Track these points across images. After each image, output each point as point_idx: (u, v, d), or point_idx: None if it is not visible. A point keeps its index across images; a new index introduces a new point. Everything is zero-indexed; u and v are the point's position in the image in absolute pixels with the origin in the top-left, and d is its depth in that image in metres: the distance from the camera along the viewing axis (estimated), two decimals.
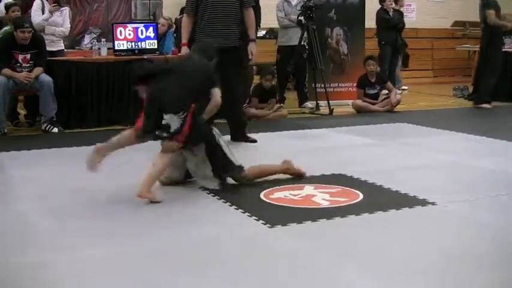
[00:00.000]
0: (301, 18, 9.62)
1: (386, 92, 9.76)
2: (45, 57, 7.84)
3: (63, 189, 4.71)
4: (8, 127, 7.86)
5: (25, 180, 5.11)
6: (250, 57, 6.88)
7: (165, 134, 4.41)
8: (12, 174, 5.39)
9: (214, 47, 5.21)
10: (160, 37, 8.98)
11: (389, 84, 9.69)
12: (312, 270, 3.13)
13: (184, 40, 6.71)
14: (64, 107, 7.99)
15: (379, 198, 4.49)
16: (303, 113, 9.62)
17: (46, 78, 7.63)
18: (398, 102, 9.48)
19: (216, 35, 6.39)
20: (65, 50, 8.95)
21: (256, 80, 9.75)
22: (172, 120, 4.38)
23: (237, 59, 6.73)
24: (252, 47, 6.81)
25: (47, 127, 7.70)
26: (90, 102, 8.14)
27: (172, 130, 4.38)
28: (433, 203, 4.30)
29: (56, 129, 7.69)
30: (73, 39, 11.21)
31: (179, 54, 8.89)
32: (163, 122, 4.39)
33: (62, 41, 8.73)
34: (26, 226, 3.91)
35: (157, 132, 4.46)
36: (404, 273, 3.08)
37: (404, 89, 11.70)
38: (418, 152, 6.22)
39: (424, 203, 4.31)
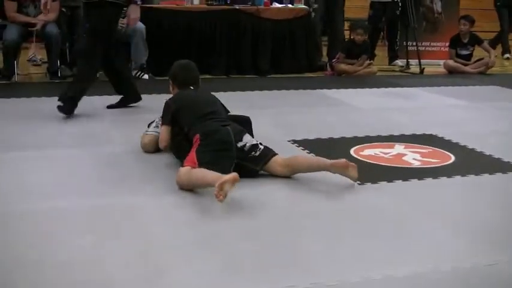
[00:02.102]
0: None
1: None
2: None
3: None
4: (99, 72, 8.00)
5: (115, 123, 5.23)
6: (127, 21, 5.92)
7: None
8: (104, 116, 5.52)
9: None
10: None
11: (485, 44, 9.41)
12: (402, 228, 3.09)
13: None
14: (155, 55, 8.07)
15: (471, 162, 4.38)
16: (393, 70, 9.48)
17: (139, 25, 7.66)
18: (493, 65, 9.23)
19: None
20: None
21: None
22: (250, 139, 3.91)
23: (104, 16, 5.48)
24: (131, 10, 5.65)
25: (138, 73, 7.79)
26: (181, 50, 8.18)
27: (261, 146, 3.89)
28: None
29: (146, 76, 7.79)
30: None
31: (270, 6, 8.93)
32: (247, 144, 3.84)
33: None
34: (121, 167, 3.99)
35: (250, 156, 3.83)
36: (495, 241, 2.99)
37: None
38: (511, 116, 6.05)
39: None
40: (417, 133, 5.12)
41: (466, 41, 9.37)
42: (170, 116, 4.06)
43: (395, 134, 5.07)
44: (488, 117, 6.03)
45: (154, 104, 5.44)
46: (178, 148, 4.04)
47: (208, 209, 3.30)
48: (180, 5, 8.61)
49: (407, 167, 4.18)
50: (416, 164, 4.27)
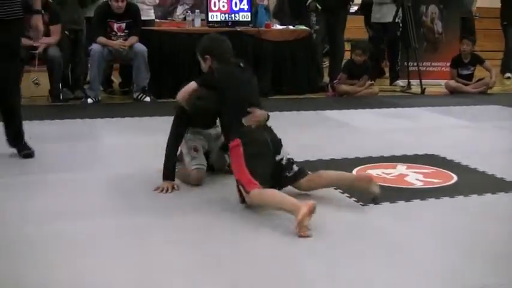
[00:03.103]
0: None
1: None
2: (140, 27, 7.94)
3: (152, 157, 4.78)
4: (101, 95, 8.04)
5: (116, 147, 5.22)
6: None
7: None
8: (105, 140, 5.51)
9: None
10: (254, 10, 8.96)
11: (487, 64, 9.42)
12: (405, 249, 3.08)
13: None
14: (157, 77, 8.09)
15: (473, 181, 4.37)
16: (394, 91, 9.50)
17: (140, 47, 7.74)
18: (494, 85, 9.25)
19: None
20: (158, 20, 9.04)
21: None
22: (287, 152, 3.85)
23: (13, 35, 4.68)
24: (35, 20, 4.81)
25: (139, 96, 7.82)
26: (183, 72, 8.20)
27: (295, 167, 3.83)
28: None
29: (147, 98, 7.81)
30: (166, 10, 11.29)
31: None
32: (284, 159, 3.79)
33: (152, 10, 8.81)
34: (118, 189, 3.98)
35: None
36: (501, 260, 2.98)
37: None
38: None
39: None
40: (419, 153, 5.12)
41: (467, 61, 9.39)
42: (206, 83, 3.86)
43: (397, 154, 5.06)
44: (490, 136, 6.03)
45: (156, 126, 5.45)
46: (196, 110, 3.92)
47: (211, 231, 3.29)
48: (182, 27, 8.64)
49: (409, 188, 4.17)
50: (418, 184, 4.26)
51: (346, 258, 2.97)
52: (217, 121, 4.18)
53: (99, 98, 7.79)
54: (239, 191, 3.63)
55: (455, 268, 2.87)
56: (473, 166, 4.71)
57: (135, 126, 6.11)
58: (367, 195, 3.74)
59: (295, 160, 3.86)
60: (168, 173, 3.98)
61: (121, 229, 3.29)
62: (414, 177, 4.42)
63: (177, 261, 2.90)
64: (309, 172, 3.85)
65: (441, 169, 4.64)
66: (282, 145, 3.77)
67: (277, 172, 3.71)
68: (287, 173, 3.76)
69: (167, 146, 4.02)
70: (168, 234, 3.23)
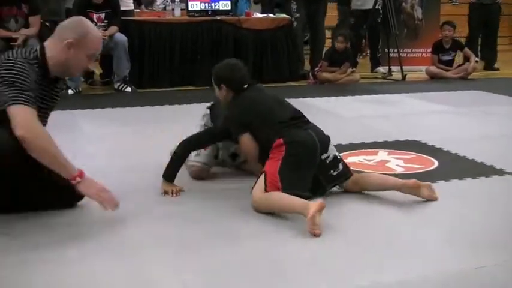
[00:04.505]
0: None
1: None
2: (119, 17, 7.90)
3: (133, 147, 4.76)
4: (82, 85, 8.00)
5: (97, 138, 5.19)
6: None
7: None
8: (86, 131, 5.49)
9: None
10: None
11: (467, 50, 9.46)
12: (387, 234, 3.10)
13: None
14: (137, 67, 8.07)
15: (454, 166, 4.40)
16: (375, 78, 9.51)
17: (121, 37, 7.70)
18: (474, 70, 9.29)
19: None
20: (138, 10, 9.00)
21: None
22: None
23: None
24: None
25: (120, 86, 7.79)
26: (163, 62, 8.19)
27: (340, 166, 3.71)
28: (510, 173, 4.18)
29: (129, 89, 7.78)
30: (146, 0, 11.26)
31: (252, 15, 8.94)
32: (330, 156, 3.66)
33: (132, 1, 8.76)
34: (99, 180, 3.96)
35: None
36: (481, 244, 3.00)
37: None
38: (495, 120, 6.07)
39: (501, 172, 4.20)
40: (400, 139, 5.14)
41: (448, 46, 9.43)
42: (241, 127, 3.69)
43: (379, 140, 5.08)
44: (471, 122, 6.06)
45: (137, 116, 5.44)
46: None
47: (198, 221, 3.29)
48: (162, 17, 8.60)
49: (391, 173, 4.17)
50: (400, 170, 4.28)
51: (330, 244, 2.98)
52: None
53: (80, 89, 7.75)
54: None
55: (435, 252, 2.89)
56: (454, 151, 4.74)
57: (116, 117, 6.08)
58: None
59: (341, 158, 3.75)
60: (170, 173, 3.77)
61: (103, 219, 3.27)
62: (395, 163, 4.44)
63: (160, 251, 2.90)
64: (352, 173, 3.74)
65: (422, 155, 4.66)
66: (329, 141, 3.67)
67: (320, 171, 3.57)
68: (332, 172, 3.62)
69: (183, 146, 3.82)
70: (150, 225, 3.23)
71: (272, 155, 3.51)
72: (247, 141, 3.69)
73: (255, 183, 3.49)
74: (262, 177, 3.45)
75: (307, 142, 3.53)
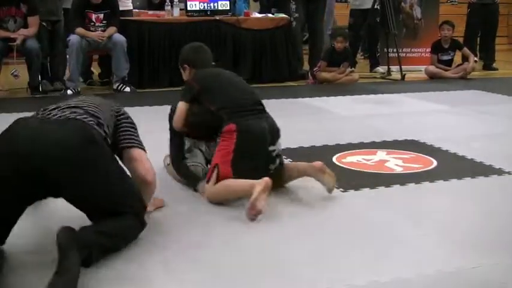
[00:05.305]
0: None
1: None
2: (118, 17, 7.89)
3: None
4: (81, 86, 8.00)
5: None
6: None
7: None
8: None
9: None
10: None
11: (466, 50, 9.46)
12: (386, 234, 3.10)
13: None
14: (136, 67, 8.07)
15: (453, 166, 4.41)
16: (374, 77, 9.51)
17: (119, 37, 7.69)
18: (473, 70, 9.28)
19: None
20: (137, 10, 8.99)
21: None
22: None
23: None
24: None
25: (119, 86, 7.78)
26: (162, 62, 8.19)
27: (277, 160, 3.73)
28: (509, 173, 4.18)
29: (128, 89, 7.78)
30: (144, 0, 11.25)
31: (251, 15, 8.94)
32: (275, 152, 3.69)
33: (130, 0, 8.76)
34: None
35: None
36: (477, 244, 3.01)
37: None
38: (494, 120, 6.07)
39: (500, 172, 4.20)
40: (399, 139, 5.14)
41: (447, 46, 9.42)
42: (191, 95, 3.74)
43: (378, 140, 5.08)
44: (470, 121, 6.06)
45: (136, 116, 5.40)
46: (196, 127, 3.76)
47: (189, 219, 3.30)
48: (160, 17, 8.60)
49: (389, 173, 4.20)
50: (398, 169, 4.28)
51: (328, 244, 2.99)
52: None
53: (79, 89, 7.74)
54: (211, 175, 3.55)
55: (432, 252, 2.90)
56: (452, 151, 4.74)
57: None
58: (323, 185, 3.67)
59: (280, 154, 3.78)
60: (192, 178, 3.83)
61: None
62: (394, 162, 4.44)
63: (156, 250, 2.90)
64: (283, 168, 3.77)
65: (421, 154, 4.67)
66: (279, 136, 3.71)
67: (266, 164, 3.62)
68: (272, 165, 3.66)
69: (176, 160, 3.93)
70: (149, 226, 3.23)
71: (222, 140, 3.55)
72: (182, 109, 3.74)
73: (208, 178, 3.55)
74: (215, 171, 3.50)
75: (258, 133, 3.56)
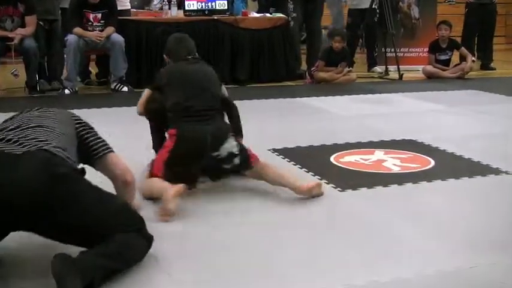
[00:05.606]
0: None
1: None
2: (116, 17, 7.89)
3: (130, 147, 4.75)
4: (79, 85, 7.99)
5: None
6: None
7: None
8: None
9: None
10: None
11: (463, 49, 9.46)
12: (384, 234, 3.10)
13: None
14: (134, 67, 8.06)
15: (451, 166, 4.41)
16: (372, 77, 9.51)
17: (117, 37, 7.69)
18: (470, 69, 9.29)
19: None
20: (135, 10, 8.98)
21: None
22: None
23: None
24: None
25: (117, 86, 7.77)
26: (160, 62, 8.15)
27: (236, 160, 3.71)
28: (506, 172, 4.19)
29: (125, 88, 7.77)
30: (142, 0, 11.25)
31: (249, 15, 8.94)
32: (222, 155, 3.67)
33: (128, 0, 8.75)
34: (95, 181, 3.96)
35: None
36: (476, 243, 3.01)
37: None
38: (491, 119, 6.07)
39: (497, 171, 4.20)
40: (397, 139, 5.14)
41: (444, 46, 9.42)
42: (157, 84, 3.88)
43: (375, 140, 5.08)
44: (468, 121, 6.07)
45: (134, 116, 5.40)
46: (153, 113, 3.92)
47: (189, 219, 3.29)
48: (158, 16, 8.60)
49: (387, 173, 4.20)
50: (396, 169, 4.28)
51: (325, 244, 2.99)
52: None
53: (77, 89, 7.74)
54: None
55: (430, 251, 2.90)
56: (450, 150, 4.75)
57: (113, 117, 6.08)
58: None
59: (244, 152, 3.71)
60: None
61: None
62: (392, 162, 4.44)
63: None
64: (254, 166, 3.72)
65: (419, 154, 4.67)
66: (224, 140, 3.66)
67: (214, 166, 3.65)
68: (225, 166, 3.66)
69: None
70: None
71: (166, 141, 3.70)
72: (145, 95, 3.94)
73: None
74: (150, 167, 3.66)
75: (196, 140, 3.59)
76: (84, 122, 3.13)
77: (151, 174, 3.60)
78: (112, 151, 3.13)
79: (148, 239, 2.74)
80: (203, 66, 4.02)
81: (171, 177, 3.48)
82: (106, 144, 3.12)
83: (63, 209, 2.50)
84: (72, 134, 2.98)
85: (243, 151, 3.72)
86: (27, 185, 2.46)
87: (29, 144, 2.65)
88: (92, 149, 3.05)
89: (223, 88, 4.09)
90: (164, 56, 4.12)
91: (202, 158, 3.59)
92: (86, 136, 3.06)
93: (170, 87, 3.79)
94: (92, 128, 3.13)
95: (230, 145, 3.67)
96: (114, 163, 3.09)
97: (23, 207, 2.44)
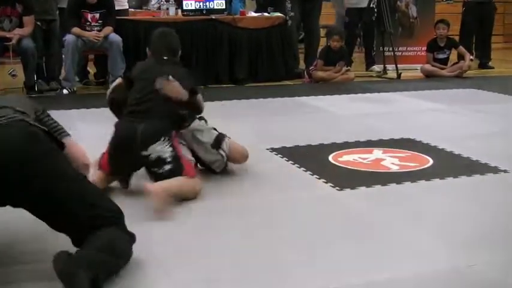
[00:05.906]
0: None
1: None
2: (114, 17, 7.89)
3: None
4: (77, 85, 7.99)
5: (92, 138, 5.17)
6: None
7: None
8: (81, 131, 5.47)
9: None
10: None
11: (461, 48, 9.46)
12: (382, 233, 3.10)
13: None
14: (132, 67, 8.01)
15: (449, 164, 4.41)
16: (370, 76, 9.51)
17: (115, 37, 7.69)
18: (469, 68, 9.29)
19: None
20: (133, 10, 8.98)
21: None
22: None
23: None
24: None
25: None
26: None
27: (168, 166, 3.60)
28: (505, 171, 4.19)
29: None
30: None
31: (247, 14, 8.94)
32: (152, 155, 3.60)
33: (126, 0, 8.76)
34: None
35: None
36: (473, 242, 3.01)
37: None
38: (490, 118, 6.07)
39: (496, 170, 4.20)
40: (395, 138, 5.14)
41: (443, 45, 9.42)
42: (128, 75, 4.01)
43: (374, 139, 5.08)
44: (466, 120, 6.07)
45: None
46: (110, 102, 4.07)
47: (192, 222, 3.29)
48: (156, 16, 8.59)
49: (386, 172, 4.20)
50: (394, 168, 4.29)
51: (324, 243, 2.99)
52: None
53: (75, 89, 7.74)
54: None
55: (428, 250, 2.90)
56: (448, 149, 4.75)
57: (111, 117, 6.04)
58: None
59: (177, 162, 3.60)
60: None
61: None
62: (390, 161, 4.44)
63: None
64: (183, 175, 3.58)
65: (417, 153, 4.67)
66: (156, 141, 3.58)
67: (146, 167, 3.65)
68: (157, 170, 3.58)
69: None
70: (146, 227, 3.23)
71: None
72: (119, 82, 4.01)
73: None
74: (100, 158, 3.78)
75: (122, 135, 3.68)
76: (42, 109, 3.10)
77: (99, 165, 3.73)
78: (69, 135, 3.14)
79: (132, 236, 2.71)
80: (173, 68, 3.91)
81: (114, 169, 3.71)
82: (63, 129, 3.14)
83: (40, 166, 2.53)
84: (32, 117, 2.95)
85: (177, 161, 3.60)
86: (7, 141, 2.52)
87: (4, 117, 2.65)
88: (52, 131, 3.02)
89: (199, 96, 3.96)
90: (147, 49, 4.17)
91: (129, 154, 3.60)
92: (44, 119, 3.05)
93: (135, 83, 3.86)
94: (49, 114, 3.11)
95: (162, 149, 3.58)
96: (74, 145, 3.12)
97: (3, 166, 2.45)
